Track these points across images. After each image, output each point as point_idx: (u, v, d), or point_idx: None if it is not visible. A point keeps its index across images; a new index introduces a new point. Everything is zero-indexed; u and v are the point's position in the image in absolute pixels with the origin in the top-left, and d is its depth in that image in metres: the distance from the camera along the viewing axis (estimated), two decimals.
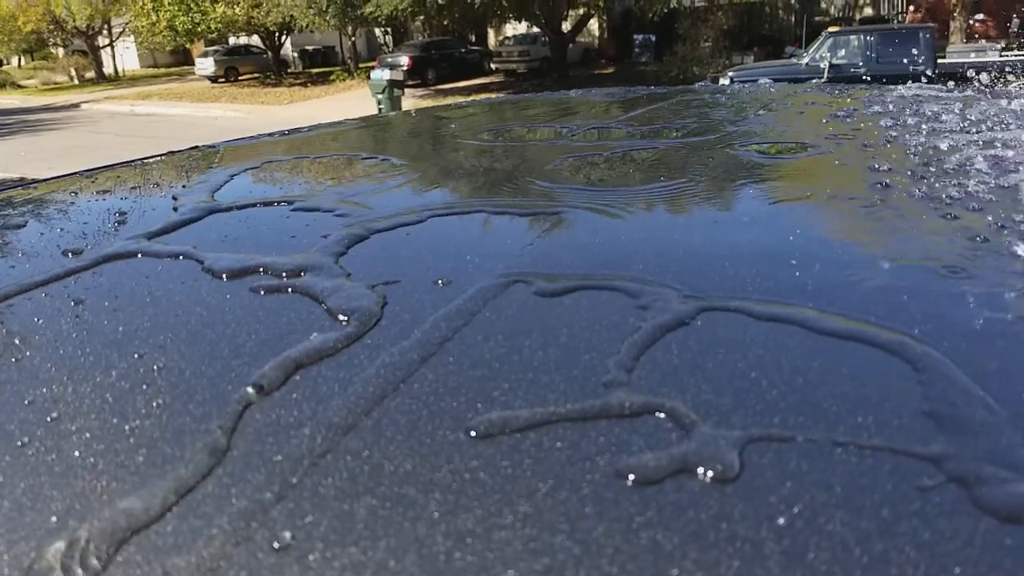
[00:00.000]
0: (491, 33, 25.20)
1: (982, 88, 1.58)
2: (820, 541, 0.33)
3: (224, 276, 0.68)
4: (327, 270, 0.67)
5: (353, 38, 22.74)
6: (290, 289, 0.64)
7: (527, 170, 1.11)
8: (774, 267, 0.66)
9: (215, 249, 0.76)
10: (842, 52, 11.55)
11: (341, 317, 0.57)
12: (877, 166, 0.97)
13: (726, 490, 0.37)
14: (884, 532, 0.34)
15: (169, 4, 22.88)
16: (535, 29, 19.61)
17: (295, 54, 27.54)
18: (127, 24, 28.46)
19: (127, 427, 0.45)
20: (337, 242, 0.75)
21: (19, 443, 0.44)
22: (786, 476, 0.37)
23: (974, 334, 0.52)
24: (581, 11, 18.79)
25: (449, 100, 13.84)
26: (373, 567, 0.33)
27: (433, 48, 20.76)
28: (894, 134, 1.18)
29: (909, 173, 0.92)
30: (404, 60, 19.29)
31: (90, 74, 30.39)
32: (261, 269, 0.69)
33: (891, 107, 1.42)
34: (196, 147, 1.47)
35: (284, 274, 0.67)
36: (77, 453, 0.43)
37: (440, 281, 0.64)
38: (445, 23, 20.22)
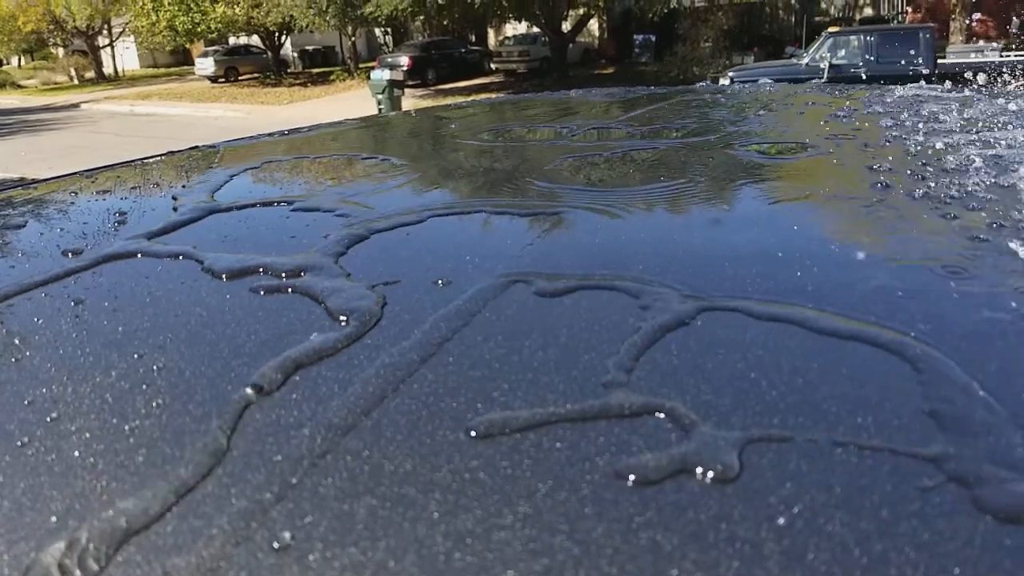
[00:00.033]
0: (491, 33, 25.20)
1: (982, 88, 1.58)
2: (820, 542, 0.33)
3: (224, 276, 0.68)
4: (327, 270, 0.67)
5: (353, 38, 22.74)
6: (290, 289, 0.64)
7: (527, 170, 1.11)
8: (774, 267, 0.66)
9: (215, 249, 0.76)
10: (842, 52, 11.55)
11: (341, 317, 0.57)
12: (877, 166, 0.97)
13: (726, 490, 0.37)
14: (884, 532, 0.34)
15: (169, 4, 22.88)
16: (535, 29, 19.62)
17: (295, 54, 27.54)
18: (127, 24, 28.46)
19: (127, 427, 0.45)
20: (337, 242, 0.75)
21: (19, 443, 0.44)
22: (786, 476, 0.37)
23: (974, 334, 0.52)
24: (581, 11, 18.79)
25: (449, 100, 13.84)
26: (373, 567, 0.33)
27: (433, 48, 20.76)
28: (894, 134, 1.18)
29: (909, 173, 0.92)
30: (404, 60, 19.29)
31: (90, 74, 30.40)
32: (261, 269, 0.68)
33: (891, 107, 1.42)
34: (196, 147, 1.47)
35: (284, 274, 0.67)
36: (77, 453, 0.43)
37: (440, 281, 0.64)
38: (445, 23, 20.22)
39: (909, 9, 20.17)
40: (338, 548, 0.34)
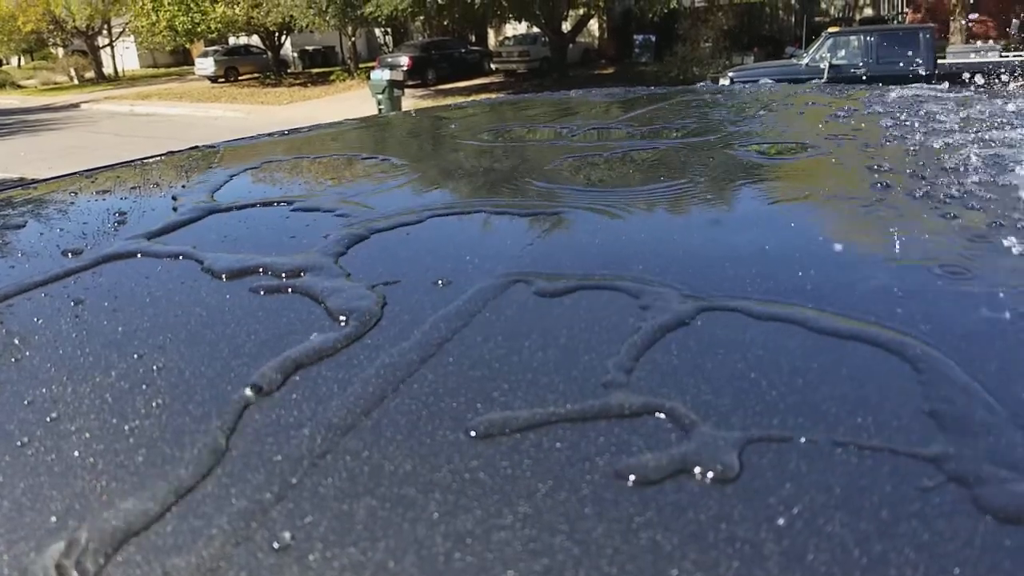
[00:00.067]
0: (491, 33, 25.20)
1: (982, 89, 1.58)
2: (820, 542, 0.33)
3: (224, 276, 0.68)
4: (327, 270, 0.67)
5: (353, 38, 22.74)
6: (290, 289, 0.64)
7: (527, 170, 1.11)
8: (774, 267, 0.66)
9: (215, 249, 0.76)
10: (842, 52, 11.55)
11: (341, 317, 0.57)
12: (877, 166, 0.97)
13: (725, 491, 0.37)
14: (884, 533, 0.34)
15: (169, 4, 22.88)
16: (535, 29, 19.62)
17: (295, 54, 27.53)
18: (127, 24, 28.46)
19: (126, 427, 0.45)
20: (337, 242, 0.75)
21: (19, 443, 0.44)
22: (786, 477, 0.37)
23: (974, 334, 0.52)
24: (581, 11, 18.79)
25: (449, 100, 13.83)
26: (373, 567, 0.33)
27: (433, 48, 20.76)
28: (894, 134, 1.18)
29: (909, 173, 0.92)
30: (404, 60, 19.29)
31: (90, 74, 30.39)
32: (261, 269, 0.68)
33: (891, 107, 1.42)
34: (196, 147, 1.47)
35: (284, 274, 0.67)
36: (76, 453, 0.43)
37: (440, 281, 0.64)
38: (445, 23, 20.22)
39: (909, 9, 20.18)
40: (338, 548, 0.34)
